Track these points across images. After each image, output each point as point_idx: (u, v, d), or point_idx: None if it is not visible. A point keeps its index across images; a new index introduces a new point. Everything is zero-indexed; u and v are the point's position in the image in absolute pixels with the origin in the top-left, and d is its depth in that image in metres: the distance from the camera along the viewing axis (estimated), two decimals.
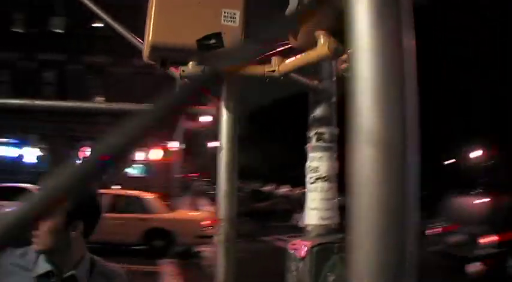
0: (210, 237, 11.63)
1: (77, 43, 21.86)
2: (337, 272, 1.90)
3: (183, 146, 19.26)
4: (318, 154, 2.34)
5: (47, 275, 1.74)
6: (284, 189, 31.59)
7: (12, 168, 22.66)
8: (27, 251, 1.76)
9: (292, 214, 23.09)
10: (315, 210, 2.30)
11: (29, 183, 15.66)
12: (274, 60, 2.03)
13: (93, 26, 19.74)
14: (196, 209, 16.89)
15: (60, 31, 22.43)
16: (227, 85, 2.36)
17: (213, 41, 2.08)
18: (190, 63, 2.15)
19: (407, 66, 0.76)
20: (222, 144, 2.33)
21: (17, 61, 21.52)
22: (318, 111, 2.37)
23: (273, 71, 2.04)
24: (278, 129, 50.13)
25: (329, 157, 2.33)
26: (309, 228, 2.30)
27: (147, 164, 22.11)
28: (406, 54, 0.76)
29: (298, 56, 1.87)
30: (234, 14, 2.10)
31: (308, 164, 2.37)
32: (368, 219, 0.73)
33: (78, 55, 22.07)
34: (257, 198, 25.66)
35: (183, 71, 2.16)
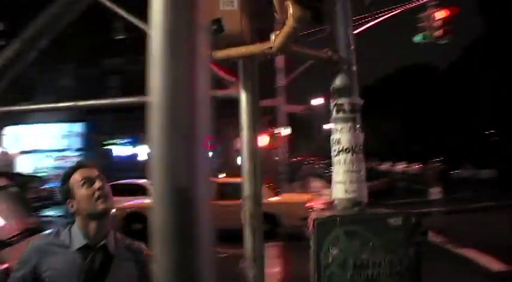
0: None
1: None
2: (340, 246, 1.87)
3: (289, 131, 19.33)
4: (338, 126, 2.30)
5: (84, 247, 1.96)
6: (401, 166, 30.60)
7: (128, 166, 24.68)
8: (59, 231, 2.00)
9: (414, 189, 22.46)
10: (339, 183, 2.26)
11: (143, 179, 16.97)
12: (272, 37, 2.03)
13: None
14: (307, 192, 17.01)
15: None
16: (243, 66, 2.43)
17: (214, 26, 2.14)
18: None
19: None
20: (242, 123, 2.39)
21: (123, 66, 23.17)
22: (337, 82, 2.32)
23: (270, 48, 2.04)
24: (393, 106, 48.41)
25: (350, 128, 2.27)
26: (335, 202, 2.27)
27: None
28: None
29: (282, 30, 1.86)
30: None
31: (332, 136, 2.34)
32: None
33: None
34: (371, 177, 25.19)
35: None
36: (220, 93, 2.76)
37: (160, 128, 0.91)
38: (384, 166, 34.09)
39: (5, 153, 26.72)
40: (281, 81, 17.97)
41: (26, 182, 16.78)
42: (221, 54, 2.22)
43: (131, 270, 2.00)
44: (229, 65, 2.54)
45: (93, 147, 25.45)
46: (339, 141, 2.28)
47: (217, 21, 2.14)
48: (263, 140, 20.23)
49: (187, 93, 0.93)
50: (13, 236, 4.37)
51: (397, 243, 1.86)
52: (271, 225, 11.48)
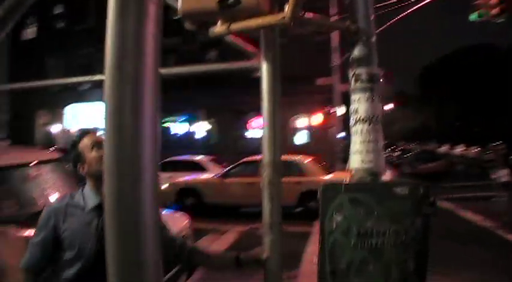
0: None
1: None
2: (345, 213, 1.87)
3: (344, 111, 19.12)
4: (356, 96, 2.29)
5: (97, 207, 2.08)
6: (459, 149, 29.67)
7: (185, 143, 25.27)
8: (73, 194, 2.13)
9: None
10: (356, 153, 2.26)
11: (199, 155, 17.34)
12: (286, 7, 2.04)
13: None
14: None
15: None
16: (264, 37, 2.45)
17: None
18: (218, 23, 2.29)
19: None
20: (263, 94, 2.43)
21: (180, 45, 23.52)
22: (356, 52, 2.31)
23: (283, 18, 2.05)
24: (453, 87, 46.68)
25: (367, 98, 2.25)
26: (352, 172, 2.27)
27: (310, 130, 22.62)
28: None
29: None
30: None
31: (350, 106, 2.32)
32: None
33: None
34: (425, 159, 24.55)
35: (213, 31, 2.32)
36: (241, 64, 2.79)
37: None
38: (443, 149, 33.18)
39: (65, 131, 28.08)
40: (336, 60, 17.68)
41: None
42: (238, 25, 2.24)
43: None
44: (251, 37, 2.55)
45: None
46: (356, 111, 2.27)
47: None
48: (317, 118, 20.07)
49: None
50: None
51: (403, 213, 1.84)
52: None
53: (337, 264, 1.86)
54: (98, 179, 2.12)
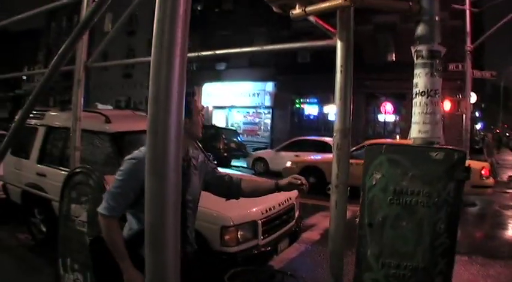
0: (487, 187, 11.08)
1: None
2: (383, 171, 2.10)
3: (475, 99, 17.94)
4: (417, 71, 2.46)
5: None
6: None
7: (319, 124, 25.59)
8: None
9: None
10: (415, 123, 2.45)
11: (329, 137, 17.56)
12: None
13: None
14: (487, 161, 15.81)
15: None
16: (340, 18, 2.71)
17: None
18: (297, 5, 2.62)
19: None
20: (337, 70, 2.70)
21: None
22: (419, 31, 2.46)
23: (345, 0, 2.30)
24: None
25: (426, 73, 2.41)
26: (411, 141, 2.47)
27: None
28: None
29: None
30: None
31: (414, 80, 2.51)
32: None
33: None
34: None
35: (292, 13, 2.66)
36: (318, 43, 3.05)
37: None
38: None
39: (202, 107, 30.07)
40: (469, 45, 16.62)
41: (219, 134, 18.75)
42: (312, 8, 2.54)
43: (201, 177, 2.68)
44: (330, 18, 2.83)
45: (284, 105, 26.95)
46: (416, 85, 2.45)
47: None
48: (446, 106, 19.08)
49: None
50: None
51: (437, 177, 2.01)
52: None
53: (375, 217, 2.11)
54: (188, 137, 2.52)
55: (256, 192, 2.90)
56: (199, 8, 30.63)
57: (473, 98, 17.52)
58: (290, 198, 5.52)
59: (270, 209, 4.98)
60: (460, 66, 16.52)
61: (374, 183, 2.13)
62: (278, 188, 2.75)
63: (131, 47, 34.39)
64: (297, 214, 5.79)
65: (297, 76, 24.94)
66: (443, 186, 2.00)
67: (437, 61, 2.43)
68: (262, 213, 4.84)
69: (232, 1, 28.96)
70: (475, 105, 19.71)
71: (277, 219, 5.14)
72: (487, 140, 23.64)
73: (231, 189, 2.83)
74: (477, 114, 34.11)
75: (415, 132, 2.44)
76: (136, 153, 2.42)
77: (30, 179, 6.31)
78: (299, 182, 2.68)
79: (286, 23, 23.53)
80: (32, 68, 40.80)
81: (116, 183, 2.40)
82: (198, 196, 2.70)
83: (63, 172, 5.35)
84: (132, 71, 35.44)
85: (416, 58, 2.46)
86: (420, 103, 2.42)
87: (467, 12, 15.94)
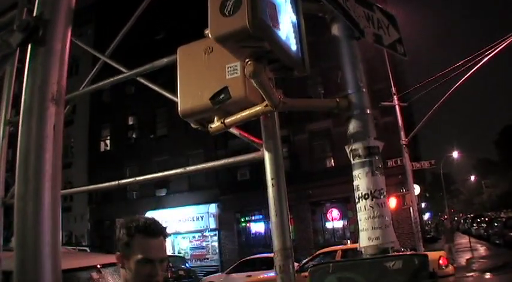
0: (448, 276, 10.91)
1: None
2: None
3: (419, 190, 18.46)
4: (356, 172, 2.25)
5: None
6: None
7: (267, 240, 25.11)
8: None
9: None
10: (363, 231, 2.17)
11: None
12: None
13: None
14: (445, 250, 15.89)
15: None
16: (264, 126, 2.49)
17: (222, 95, 2.28)
18: (215, 119, 2.38)
19: None
20: (268, 184, 2.41)
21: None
22: (351, 128, 2.29)
23: (266, 105, 2.10)
24: None
25: (367, 172, 2.20)
26: (362, 250, 2.17)
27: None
28: None
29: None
30: (236, 66, 2.27)
31: (354, 183, 2.27)
32: None
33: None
34: None
35: (211, 127, 2.40)
36: (245, 157, 2.77)
37: None
38: None
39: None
40: (403, 139, 17.38)
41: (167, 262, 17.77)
42: (232, 119, 2.30)
43: None
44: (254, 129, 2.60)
45: (229, 225, 26.42)
46: (358, 188, 2.21)
47: (225, 90, 2.26)
48: (391, 203, 19.40)
49: None
50: None
51: None
52: None
53: None
54: None
55: None
56: (134, 136, 30.81)
57: (417, 189, 17.95)
58: None
59: None
60: (398, 160, 17.09)
61: None
62: None
63: (69, 179, 33.37)
64: None
65: (238, 194, 24.85)
66: None
67: (377, 157, 2.23)
68: None
69: (167, 126, 29.32)
70: (420, 197, 20.11)
71: None
72: (446, 225, 23.96)
73: None
74: (423, 205, 34.89)
75: (365, 240, 2.15)
76: None
77: None
78: None
79: (223, 142, 23.93)
80: None
81: None
82: None
83: None
84: (70, 204, 33.99)
85: (353, 158, 2.25)
86: (365, 207, 2.17)
87: (397, 107, 16.78)
